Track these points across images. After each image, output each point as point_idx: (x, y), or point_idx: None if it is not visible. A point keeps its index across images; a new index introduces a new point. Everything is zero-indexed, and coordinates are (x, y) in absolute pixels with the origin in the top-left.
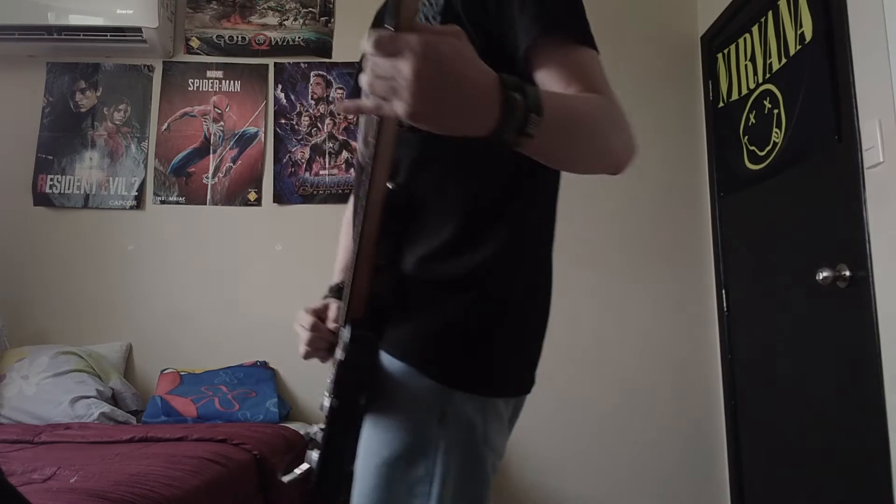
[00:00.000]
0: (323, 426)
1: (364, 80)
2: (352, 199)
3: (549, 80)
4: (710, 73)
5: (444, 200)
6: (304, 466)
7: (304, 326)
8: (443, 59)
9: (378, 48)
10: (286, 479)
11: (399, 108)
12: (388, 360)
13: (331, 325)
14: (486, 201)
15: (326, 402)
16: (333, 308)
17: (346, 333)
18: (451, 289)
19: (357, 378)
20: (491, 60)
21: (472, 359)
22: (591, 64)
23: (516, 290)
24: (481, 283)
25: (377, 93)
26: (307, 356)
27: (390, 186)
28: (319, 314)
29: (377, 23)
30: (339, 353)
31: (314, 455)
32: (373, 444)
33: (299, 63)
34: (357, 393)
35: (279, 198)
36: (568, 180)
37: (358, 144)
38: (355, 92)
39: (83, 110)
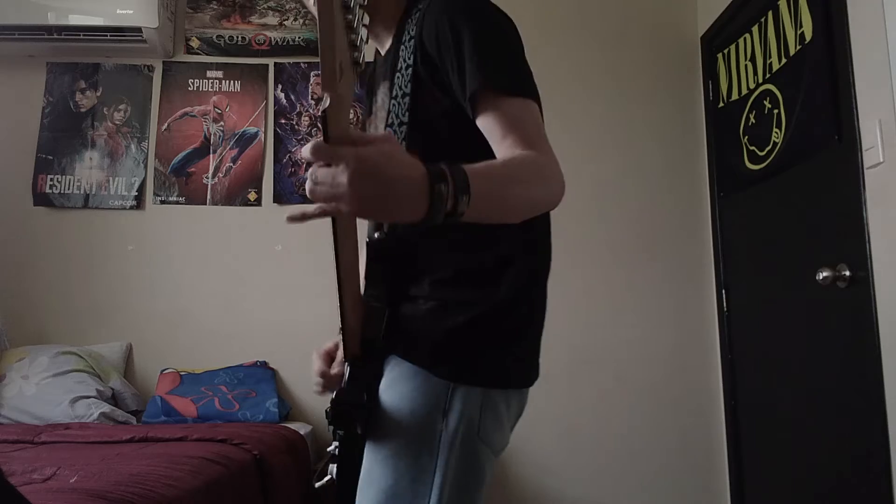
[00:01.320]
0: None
1: (307, 185)
2: None
3: (488, 128)
4: (710, 73)
5: (447, 236)
6: (328, 477)
7: (314, 373)
8: (375, 168)
9: (317, 158)
10: (318, 485)
11: (342, 208)
12: (397, 362)
13: (336, 368)
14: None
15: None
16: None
17: (345, 373)
18: (461, 306)
19: (353, 412)
20: (451, 102)
21: (476, 356)
22: (526, 114)
23: (520, 295)
24: (490, 298)
25: (319, 197)
26: (322, 394)
27: (377, 236)
28: (331, 354)
29: (371, 82)
30: (336, 391)
31: (334, 469)
32: (382, 437)
33: (299, 63)
34: (354, 425)
35: (279, 198)
36: (568, 180)
37: None
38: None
39: (83, 110)
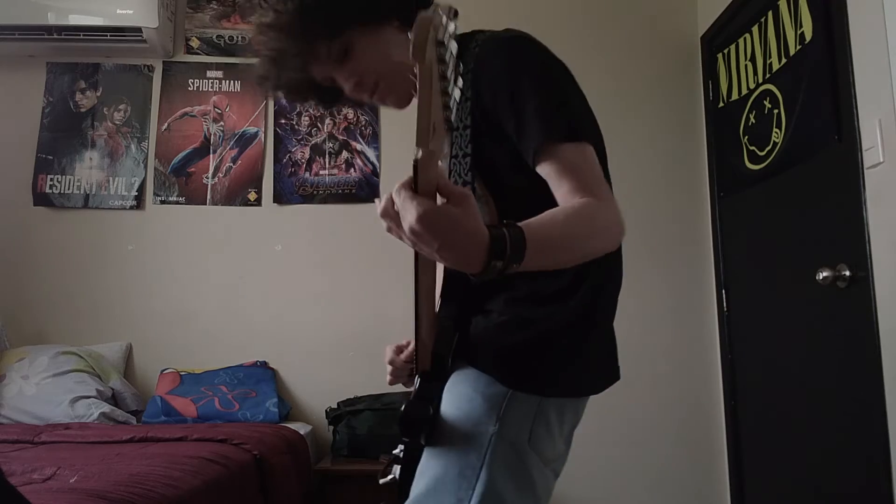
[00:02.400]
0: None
1: (383, 200)
2: None
3: (546, 175)
4: (710, 73)
5: None
6: (391, 476)
7: (386, 361)
8: (439, 228)
9: (396, 195)
10: (382, 481)
11: (399, 238)
12: (463, 365)
13: (404, 356)
14: None
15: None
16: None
17: (415, 384)
18: (531, 322)
19: (419, 425)
20: (512, 150)
21: (535, 366)
22: (580, 159)
23: (587, 311)
24: (557, 315)
25: (385, 216)
26: (391, 384)
27: None
28: (401, 348)
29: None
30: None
31: (397, 470)
32: (439, 434)
33: None
34: (419, 436)
35: (279, 198)
36: None
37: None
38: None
39: (83, 110)
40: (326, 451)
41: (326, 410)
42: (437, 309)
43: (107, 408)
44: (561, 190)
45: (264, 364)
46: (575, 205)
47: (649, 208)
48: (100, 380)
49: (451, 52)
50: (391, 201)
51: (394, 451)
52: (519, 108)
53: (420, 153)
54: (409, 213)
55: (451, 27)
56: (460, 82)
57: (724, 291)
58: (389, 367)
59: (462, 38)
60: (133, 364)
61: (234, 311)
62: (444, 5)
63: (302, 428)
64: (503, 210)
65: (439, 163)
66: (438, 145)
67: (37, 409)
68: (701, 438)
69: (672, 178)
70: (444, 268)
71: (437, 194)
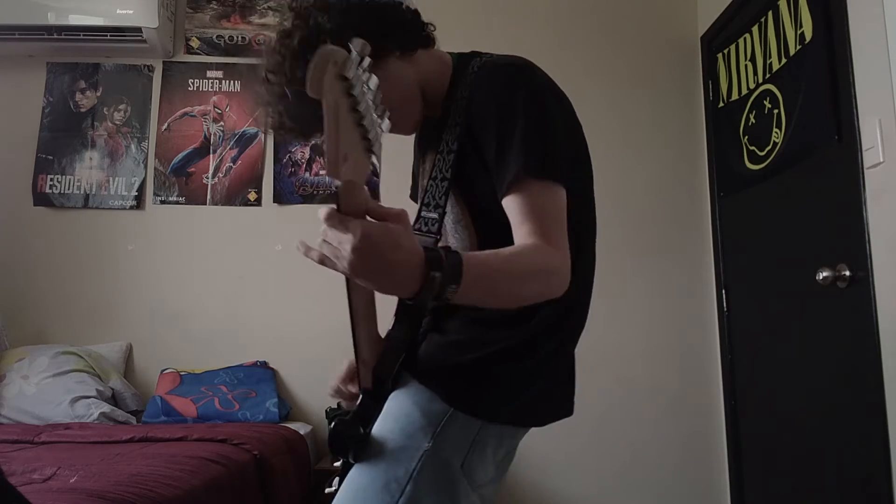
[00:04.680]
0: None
1: (319, 238)
2: None
3: (509, 209)
4: (710, 73)
5: None
6: (333, 488)
7: (334, 379)
8: (377, 248)
9: (329, 224)
10: (328, 491)
11: (340, 271)
12: (408, 378)
13: (353, 387)
14: None
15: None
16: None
17: (356, 403)
18: (483, 343)
19: (348, 443)
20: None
21: (481, 389)
22: (549, 203)
23: (541, 338)
24: (510, 340)
25: (326, 252)
26: (334, 398)
27: None
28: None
29: (421, 145)
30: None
31: (336, 482)
32: (372, 445)
33: None
34: (347, 453)
35: (279, 198)
36: None
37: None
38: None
39: (83, 110)
40: (326, 451)
41: (326, 410)
42: (378, 327)
43: (107, 408)
44: (521, 230)
45: (264, 364)
46: (523, 246)
47: (649, 208)
48: (100, 380)
49: (365, 83)
50: (326, 230)
51: (335, 465)
52: (501, 136)
53: (338, 183)
54: (348, 234)
55: (366, 62)
56: (385, 113)
57: (724, 291)
58: (334, 384)
59: (461, 60)
60: (133, 364)
61: (234, 311)
62: (357, 41)
63: (302, 428)
64: (483, 240)
65: (365, 188)
66: (357, 173)
67: (37, 409)
68: (701, 438)
69: (672, 178)
70: None
71: (368, 216)
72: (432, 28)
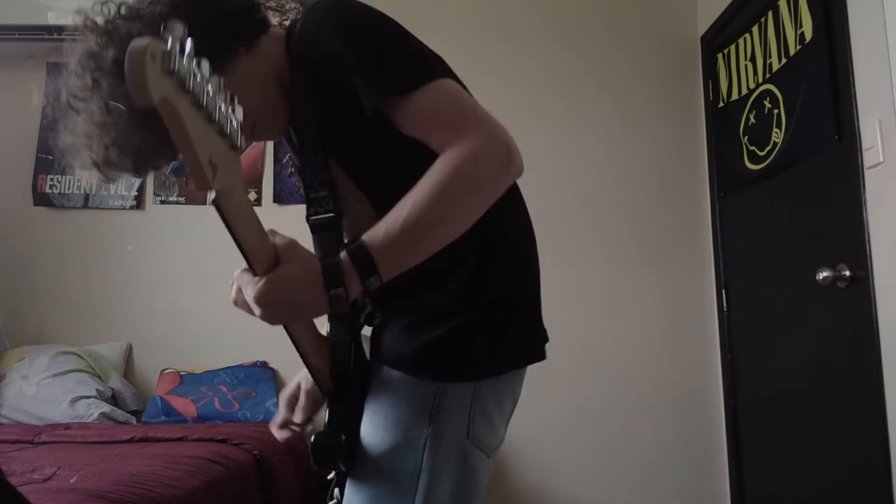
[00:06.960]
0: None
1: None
2: None
3: (410, 131)
4: (710, 73)
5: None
6: (334, 501)
7: (279, 423)
8: (275, 299)
9: (239, 282)
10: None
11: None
12: (385, 371)
13: (300, 415)
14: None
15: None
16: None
17: (325, 413)
18: (445, 316)
19: (333, 453)
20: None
21: (460, 353)
22: (436, 102)
23: (502, 290)
24: (473, 305)
25: (245, 309)
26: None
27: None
28: (295, 396)
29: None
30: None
31: (337, 493)
32: (369, 447)
33: None
34: (336, 464)
35: (279, 198)
36: (567, 181)
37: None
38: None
39: None
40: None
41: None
42: (319, 331)
43: (107, 408)
44: (432, 144)
45: (264, 364)
46: (425, 180)
47: (649, 208)
48: (100, 380)
49: (198, 72)
50: (236, 283)
51: (328, 477)
52: (354, 71)
53: (212, 194)
54: (251, 298)
55: (187, 47)
56: (233, 102)
57: (724, 291)
58: (283, 431)
59: (290, 26)
60: (133, 364)
61: (234, 311)
62: (173, 25)
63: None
64: (379, 202)
65: (251, 192)
66: (231, 176)
67: (37, 409)
68: (701, 438)
69: (672, 178)
70: None
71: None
72: (263, 5)
